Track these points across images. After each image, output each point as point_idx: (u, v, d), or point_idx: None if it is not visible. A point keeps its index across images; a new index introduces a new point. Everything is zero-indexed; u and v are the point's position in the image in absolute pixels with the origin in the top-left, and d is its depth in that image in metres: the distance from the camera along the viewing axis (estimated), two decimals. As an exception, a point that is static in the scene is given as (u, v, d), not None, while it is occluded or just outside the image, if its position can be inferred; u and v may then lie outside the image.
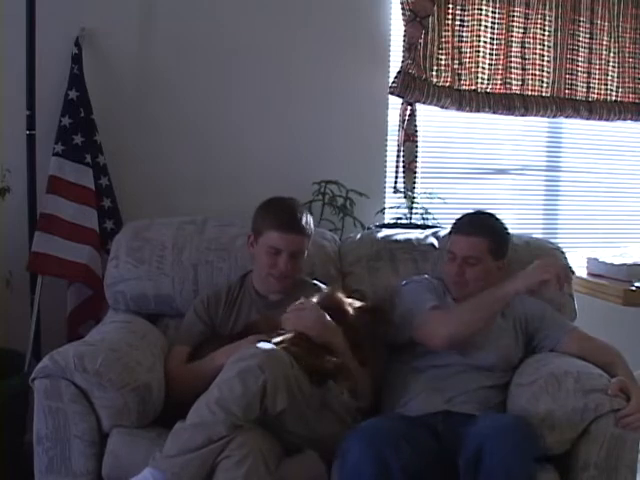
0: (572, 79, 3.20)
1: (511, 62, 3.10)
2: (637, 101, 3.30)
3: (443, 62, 3.00)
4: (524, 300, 2.16)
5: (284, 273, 2.10)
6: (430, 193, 3.00)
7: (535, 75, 3.14)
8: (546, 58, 3.15)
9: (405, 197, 3.00)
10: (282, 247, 2.08)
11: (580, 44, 3.19)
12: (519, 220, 3.26)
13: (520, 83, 3.12)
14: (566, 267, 1.88)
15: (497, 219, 2.25)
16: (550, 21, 3.12)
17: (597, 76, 3.23)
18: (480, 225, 2.19)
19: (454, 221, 2.26)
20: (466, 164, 3.26)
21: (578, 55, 3.19)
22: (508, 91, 3.11)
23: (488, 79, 3.07)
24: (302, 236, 2.12)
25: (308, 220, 2.15)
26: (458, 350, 2.04)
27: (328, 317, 1.97)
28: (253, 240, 2.16)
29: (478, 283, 2.12)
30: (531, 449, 1.73)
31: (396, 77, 2.93)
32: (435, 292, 2.18)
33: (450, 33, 3.00)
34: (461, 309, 2.05)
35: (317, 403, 1.85)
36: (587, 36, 3.19)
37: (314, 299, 2.02)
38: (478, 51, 3.04)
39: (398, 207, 3.01)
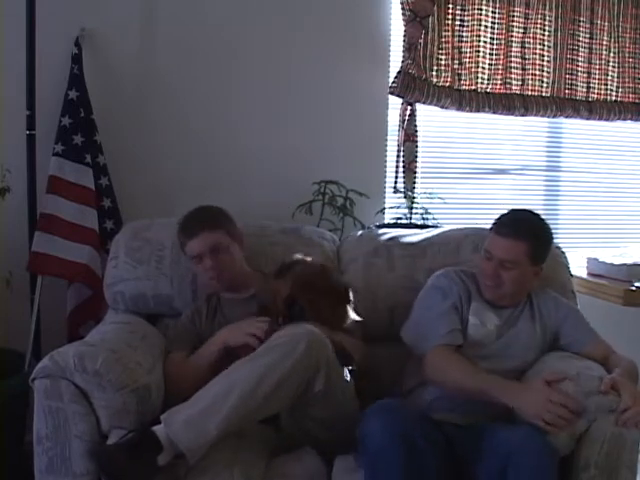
0: (572, 79, 3.20)
1: (511, 62, 3.10)
2: (637, 101, 3.30)
3: (443, 62, 3.00)
4: (558, 303, 2.15)
5: (216, 270, 2.12)
6: (430, 193, 3.00)
7: (535, 75, 3.14)
8: (546, 58, 3.15)
9: (405, 197, 3.00)
10: (199, 250, 2.11)
11: (580, 44, 3.19)
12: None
13: (520, 83, 3.13)
14: (576, 410, 1.72)
15: (542, 222, 2.12)
16: (550, 21, 3.13)
17: (597, 76, 3.24)
18: (523, 228, 2.04)
19: (497, 217, 2.12)
20: (466, 164, 3.26)
21: (578, 55, 3.20)
22: (508, 91, 3.11)
23: (488, 79, 3.07)
24: (209, 230, 2.12)
25: (211, 214, 2.17)
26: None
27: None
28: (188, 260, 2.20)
29: (514, 286, 2.05)
30: (554, 460, 1.71)
31: (396, 77, 2.93)
32: (459, 298, 2.08)
33: (450, 33, 3.00)
34: (461, 373, 1.91)
35: (352, 391, 1.89)
36: (587, 36, 3.19)
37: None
38: (478, 51, 3.04)
39: (398, 207, 3.00)
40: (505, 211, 2.13)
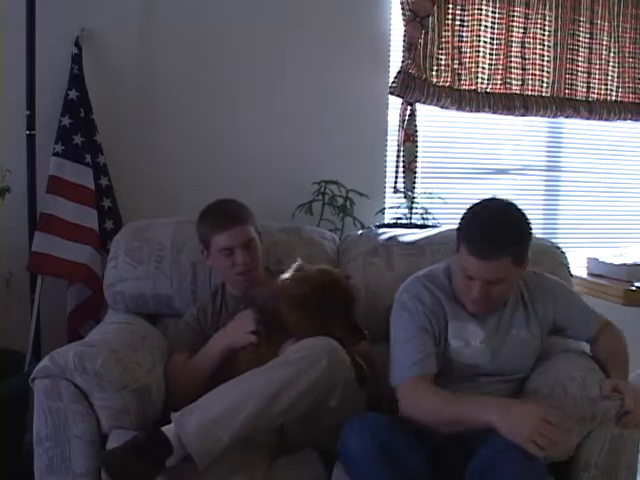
0: (572, 79, 3.20)
1: (511, 62, 3.10)
2: (637, 101, 3.30)
3: (443, 62, 3.00)
4: (555, 295, 2.01)
5: (246, 266, 2.10)
6: (430, 193, 3.01)
7: (535, 75, 3.15)
8: (546, 58, 3.15)
9: (405, 197, 3.00)
10: (232, 244, 2.09)
11: (580, 44, 3.19)
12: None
13: (520, 83, 3.13)
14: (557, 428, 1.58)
15: (516, 216, 1.82)
16: (550, 21, 3.13)
17: (597, 76, 3.24)
18: (501, 241, 1.75)
19: (462, 224, 1.85)
20: (466, 164, 3.26)
21: (578, 55, 3.20)
22: (508, 91, 3.11)
23: (488, 79, 3.07)
24: (243, 225, 2.12)
25: (242, 209, 2.17)
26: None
27: None
28: (207, 254, 2.17)
29: (502, 297, 1.89)
30: (537, 466, 1.65)
31: (396, 77, 2.93)
32: (427, 320, 1.88)
33: (450, 33, 3.00)
34: (441, 405, 1.74)
35: (363, 399, 1.90)
36: (587, 36, 3.19)
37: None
38: (478, 51, 3.04)
39: (398, 207, 3.01)
40: (470, 213, 1.86)
